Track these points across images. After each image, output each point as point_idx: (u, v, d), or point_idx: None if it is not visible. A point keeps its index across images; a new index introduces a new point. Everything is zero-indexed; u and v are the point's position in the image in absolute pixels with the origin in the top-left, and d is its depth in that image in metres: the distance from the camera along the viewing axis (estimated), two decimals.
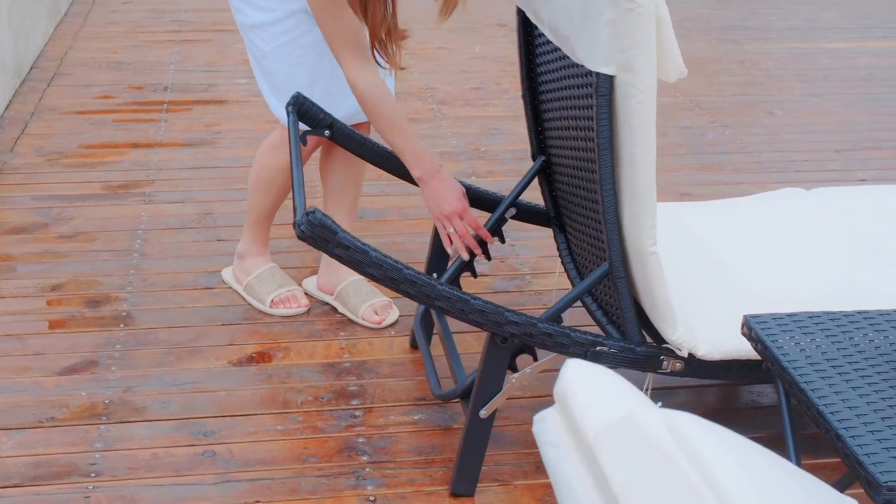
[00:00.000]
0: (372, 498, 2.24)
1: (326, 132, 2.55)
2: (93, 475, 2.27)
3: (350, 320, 2.89)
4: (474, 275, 2.66)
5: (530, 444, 2.42)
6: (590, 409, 0.99)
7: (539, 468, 2.35)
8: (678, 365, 2.17)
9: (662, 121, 4.48)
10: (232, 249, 3.14)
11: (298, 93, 2.51)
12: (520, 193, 2.63)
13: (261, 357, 2.73)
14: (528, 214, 2.70)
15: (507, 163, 3.99)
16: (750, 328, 1.89)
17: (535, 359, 2.20)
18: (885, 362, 1.79)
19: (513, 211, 2.65)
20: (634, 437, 0.92)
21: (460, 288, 2.62)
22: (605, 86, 1.97)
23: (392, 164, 2.62)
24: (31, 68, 4.90)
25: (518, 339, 2.10)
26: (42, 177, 3.75)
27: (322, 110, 2.53)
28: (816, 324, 1.90)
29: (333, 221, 1.97)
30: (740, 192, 3.43)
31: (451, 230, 2.37)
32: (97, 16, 5.87)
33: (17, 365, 2.66)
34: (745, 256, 2.45)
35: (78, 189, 3.66)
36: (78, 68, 4.95)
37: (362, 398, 2.57)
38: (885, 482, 1.48)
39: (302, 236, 1.98)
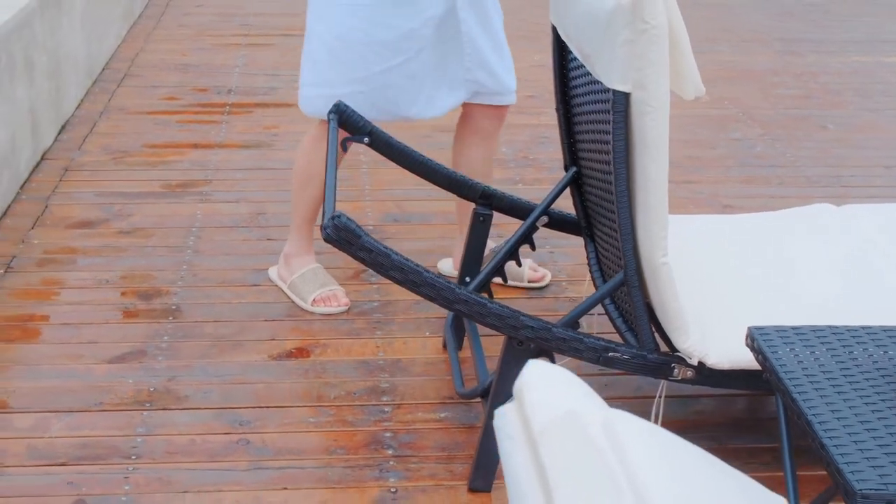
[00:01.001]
0: (393, 489, 2.34)
1: (366, 139, 2.66)
2: (133, 458, 2.42)
3: (387, 319, 3.00)
4: (504, 280, 2.75)
5: None
6: (540, 405, 1.08)
7: None
8: (689, 373, 2.24)
9: (713, 133, 4.53)
10: (280, 249, 3.27)
11: (340, 101, 2.62)
12: (551, 203, 2.72)
13: (299, 352, 2.85)
14: (559, 223, 2.79)
15: (555, 171, 4.07)
16: (753, 339, 1.96)
17: (553, 362, 2.28)
18: (880, 376, 1.85)
19: (544, 219, 2.74)
20: (573, 432, 1.01)
21: (490, 293, 2.72)
22: (620, 103, 2.06)
23: (430, 171, 2.72)
24: (103, 69, 5.10)
25: (534, 343, 2.19)
26: (106, 174, 3.93)
27: (362, 117, 2.65)
28: (818, 337, 1.96)
29: (358, 226, 2.08)
30: (783, 205, 3.45)
31: None
32: (169, 18, 6.08)
33: (71, 352, 2.82)
34: (767, 269, 2.51)
35: (139, 187, 3.83)
36: (147, 69, 5.14)
37: (392, 395, 2.68)
38: (860, 490, 1.54)
39: (328, 239, 2.10)
